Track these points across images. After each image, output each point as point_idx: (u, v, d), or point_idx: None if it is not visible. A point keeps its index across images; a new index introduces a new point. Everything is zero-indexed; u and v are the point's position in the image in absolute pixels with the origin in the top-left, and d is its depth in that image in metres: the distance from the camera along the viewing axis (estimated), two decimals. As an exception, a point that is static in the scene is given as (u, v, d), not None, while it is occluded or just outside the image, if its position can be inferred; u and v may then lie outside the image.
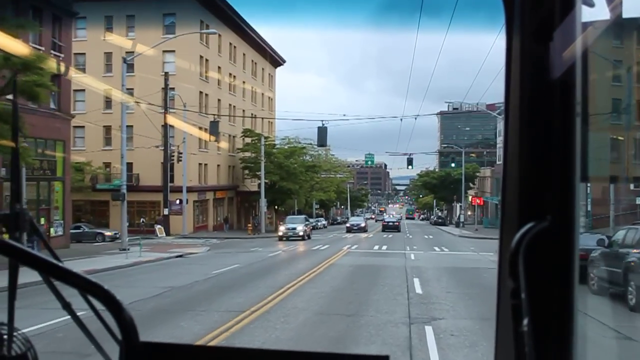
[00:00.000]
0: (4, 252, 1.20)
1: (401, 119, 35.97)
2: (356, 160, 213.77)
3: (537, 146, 1.47)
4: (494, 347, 1.62)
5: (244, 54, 73.62)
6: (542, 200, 1.46)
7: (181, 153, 54.19)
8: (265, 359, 1.51)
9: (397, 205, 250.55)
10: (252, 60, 77.00)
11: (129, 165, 60.60)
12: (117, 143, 59.55)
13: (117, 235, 47.04)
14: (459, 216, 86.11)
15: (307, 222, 53.23)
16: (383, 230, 72.53)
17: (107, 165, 60.10)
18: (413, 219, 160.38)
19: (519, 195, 1.50)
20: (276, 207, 72.80)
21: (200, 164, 61.93)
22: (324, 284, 20.06)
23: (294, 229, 49.07)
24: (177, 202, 56.35)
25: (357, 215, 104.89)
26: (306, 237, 48.70)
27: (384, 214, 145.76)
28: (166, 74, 55.56)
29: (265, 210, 64.31)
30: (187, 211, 58.32)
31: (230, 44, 69.45)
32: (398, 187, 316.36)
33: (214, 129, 41.42)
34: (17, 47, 23.36)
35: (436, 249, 38.39)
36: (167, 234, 55.11)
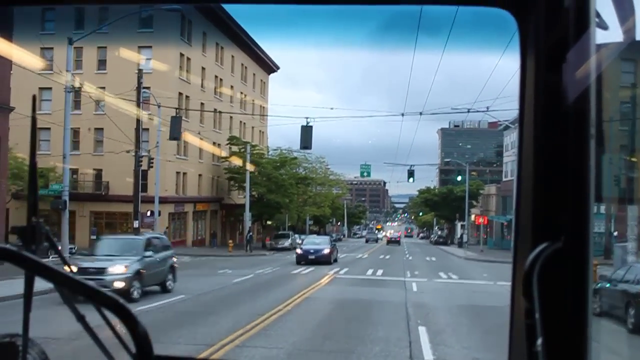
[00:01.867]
0: (20, 264, 1.20)
1: (402, 114, 28.75)
2: (355, 177, 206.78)
3: (551, 167, 1.46)
4: None
5: (232, 57, 66.64)
6: (557, 221, 1.43)
7: (153, 159, 47.01)
8: None
9: (396, 223, 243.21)
10: (242, 64, 70.01)
11: (98, 173, 53.68)
12: (86, 147, 52.57)
13: (74, 250, 39.93)
14: (462, 236, 78.77)
15: (144, 257, 20.49)
16: (387, 244, 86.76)
17: (74, 171, 52.66)
18: (411, 237, 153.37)
19: (532, 216, 1.47)
20: (265, 221, 65.57)
21: (178, 172, 54.76)
22: (282, 338, 12.78)
23: (102, 271, 18.61)
24: (149, 213, 49.11)
25: (319, 235, 63.71)
26: (134, 293, 18.66)
27: (379, 232, 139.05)
28: (140, 70, 48.38)
29: (249, 225, 57.05)
30: (161, 224, 51.05)
31: (217, 44, 62.56)
32: (397, 205, 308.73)
33: (175, 126, 34.17)
34: None
35: (442, 275, 31.09)
36: (137, 249, 47.88)
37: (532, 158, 1.49)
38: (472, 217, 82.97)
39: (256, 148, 62.38)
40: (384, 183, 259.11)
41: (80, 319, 1.49)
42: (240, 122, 69.88)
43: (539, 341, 1.30)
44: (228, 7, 56.66)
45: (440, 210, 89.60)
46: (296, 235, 67.42)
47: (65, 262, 1.58)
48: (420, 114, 27.02)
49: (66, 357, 10.06)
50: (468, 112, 29.55)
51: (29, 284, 1.45)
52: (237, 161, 59.57)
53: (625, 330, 14.95)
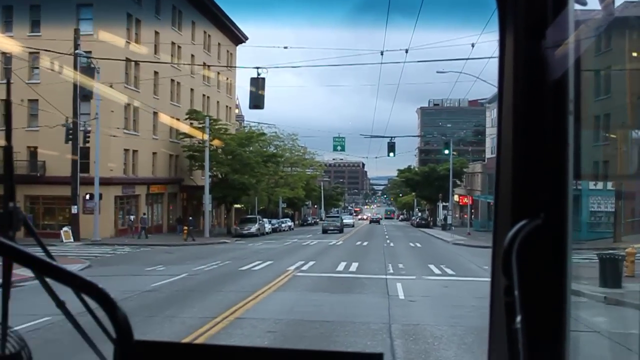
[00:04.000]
0: None
1: (382, 53, 21.66)
2: (333, 159, 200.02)
3: (530, 144, 1.45)
4: (487, 344, 1.56)
5: (193, 22, 58.76)
6: (535, 198, 1.43)
7: (89, 132, 39.26)
8: (261, 357, 1.44)
9: (375, 206, 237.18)
10: (205, 32, 62.00)
11: (33, 151, 45.88)
12: (19, 121, 44.73)
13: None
14: (446, 217, 72.02)
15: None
16: (370, 223, 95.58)
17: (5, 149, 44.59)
18: (392, 218, 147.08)
19: (512, 193, 1.47)
20: (229, 204, 58.00)
21: (126, 149, 47.00)
22: None
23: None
24: (87, 197, 41.55)
25: None
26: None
27: (354, 215, 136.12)
28: (76, 30, 40.52)
29: (209, 209, 49.66)
30: (105, 209, 43.52)
31: (174, 7, 54.69)
32: (376, 187, 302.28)
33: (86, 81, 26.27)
34: None
35: (433, 269, 23.97)
36: (77, 239, 40.41)
37: (511, 136, 1.46)
38: (456, 197, 76.29)
39: (218, 123, 54.75)
40: (363, 165, 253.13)
41: (60, 305, 1.46)
42: (204, 95, 62.20)
43: (518, 318, 1.26)
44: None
45: (422, 190, 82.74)
46: (265, 220, 60.23)
47: (43, 248, 1.49)
48: (406, 51, 20.01)
49: (46, 344, 9.58)
50: (467, 59, 22.34)
51: (7, 271, 1.41)
52: (197, 135, 52.03)
53: None
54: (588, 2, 1.48)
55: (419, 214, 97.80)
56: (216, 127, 53.00)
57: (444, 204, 78.14)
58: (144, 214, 48.26)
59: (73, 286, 1.19)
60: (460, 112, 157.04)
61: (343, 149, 47.83)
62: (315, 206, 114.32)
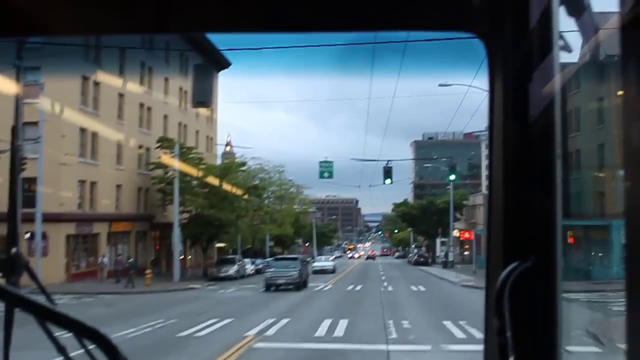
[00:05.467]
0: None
1: (385, 39, 14.83)
2: (326, 196, 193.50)
3: (519, 187, 1.44)
4: None
5: (167, 42, 52.37)
6: (526, 240, 1.43)
7: (25, 159, 32.27)
8: None
9: (370, 243, 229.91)
10: (182, 53, 55.66)
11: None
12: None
13: None
14: (447, 254, 65.02)
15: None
16: (366, 259, 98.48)
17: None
18: (387, 255, 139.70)
19: (503, 235, 1.47)
20: (205, 243, 50.66)
21: (82, 181, 40.06)
22: None
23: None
24: (27, 236, 34.51)
25: None
26: None
27: (348, 252, 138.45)
28: (21, 42, 33.99)
29: (179, 248, 42.50)
30: (54, 251, 36.44)
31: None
32: (370, 224, 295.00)
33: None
34: None
35: (452, 329, 16.90)
36: (15, 286, 33.09)
37: (502, 179, 1.46)
38: (456, 231, 69.32)
39: (192, 151, 47.93)
40: (357, 201, 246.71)
41: (61, 350, 1.45)
42: (180, 123, 55.51)
43: (511, 359, 1.27)
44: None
45: (419, 225, 75.66)
46: (247, 260, 52.93)
47: (45, 294, 1.49)
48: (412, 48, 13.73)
49: None
50: (432, 138, 16.13)
51: (9, 317, 1.41)
52: (169, 165, 45.16)
53: None
54: (573, 47, 1.47)
55: (416, 250, 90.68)
56: (190, 156, 46.19)
57: (443, 239, 71.36)
58: (119, 255, 41.50)
59: (74, 331, 1.16)
60: (456, 145, 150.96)
61: (330, 176, 41.13)
62: (307, 244, 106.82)
